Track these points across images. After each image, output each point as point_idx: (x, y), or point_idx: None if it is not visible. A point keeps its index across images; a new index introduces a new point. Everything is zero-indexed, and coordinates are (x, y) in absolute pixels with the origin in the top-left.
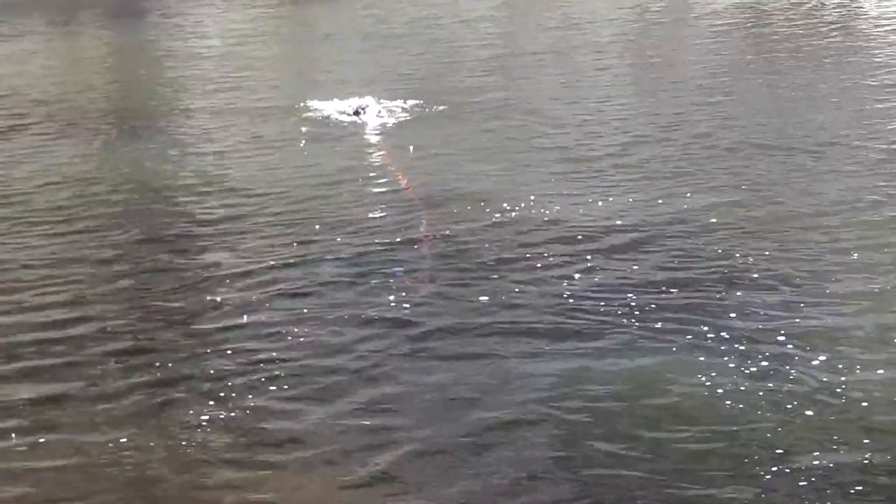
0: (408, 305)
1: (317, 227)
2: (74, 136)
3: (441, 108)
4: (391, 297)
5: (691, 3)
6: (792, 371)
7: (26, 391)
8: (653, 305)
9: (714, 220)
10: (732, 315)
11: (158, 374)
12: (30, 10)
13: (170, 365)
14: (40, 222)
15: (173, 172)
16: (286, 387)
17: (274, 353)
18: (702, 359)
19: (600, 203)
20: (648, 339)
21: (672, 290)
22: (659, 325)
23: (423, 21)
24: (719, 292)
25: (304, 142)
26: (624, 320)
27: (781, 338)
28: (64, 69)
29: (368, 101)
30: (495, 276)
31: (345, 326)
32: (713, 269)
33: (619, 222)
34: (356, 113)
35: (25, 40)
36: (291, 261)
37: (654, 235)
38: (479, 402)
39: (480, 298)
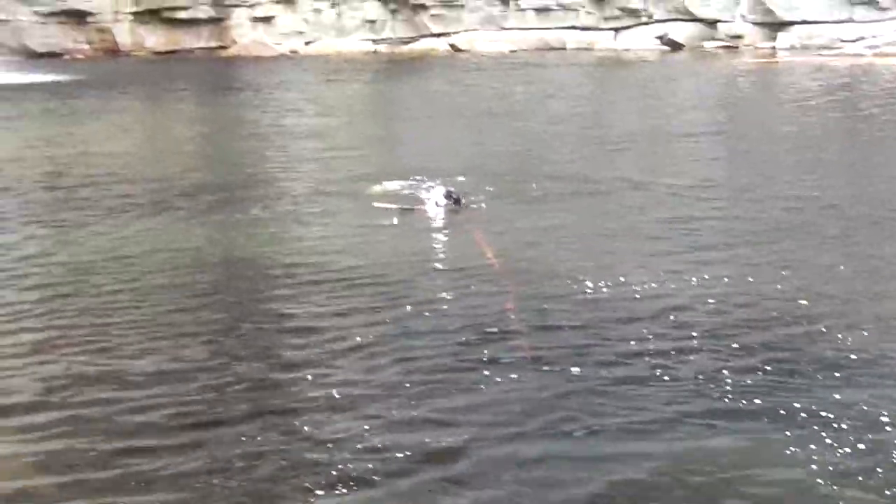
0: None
1: (407, 307)
2: (166, 209)
3: (533, 186)
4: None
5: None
6: None
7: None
8: (748, 386)
9: (815, 301)
10: (832, 398)
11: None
12: (123, 86)
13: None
14: (132, 289)
15: (262, 249)
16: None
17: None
18: (801, 443)
19: (695, 280)
20: (743, 421)
21: (770, 373)
22: (755, 406)
23: (514, 97)
24: (820, 375)
25: (393, 220)
26: (718, 402)
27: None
28: (155, 144)
29: (461, 180)
30: (588, 353)
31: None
32: (813, 351)
33: (713, 301)
34: (448, 196)
35: (119, 116)
36: (382, 339)
37: (750, 315)
38: (577, 481)
39: (572, 373)
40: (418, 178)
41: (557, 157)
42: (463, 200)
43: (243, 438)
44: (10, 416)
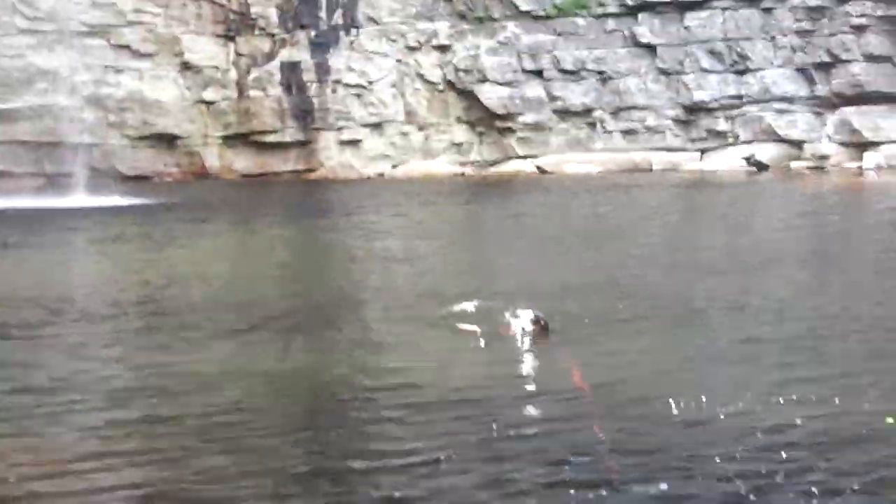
0: None
1: (494, 430)
2: (254, 333)
3: (620, 307)
4: None
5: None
6: None
7: None
8: None
9: None
10: None
11: None
12: (213, 210)
13: None
14: (218, 413)
15: (349, 373)
16: None
17: None
18: None
19: (785, 405)
20: None
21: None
22: None
23: (600, 220)
24: None
25: (480, 348)
26: None
27: None
28: (244, 268)
29: (548, 304)
30: (674, 475)
31: None
32: None
33: (802, 425)
34: (536, 321)
35: (209, 240)
36: (469, 460)
37: (840, 439)
38: None
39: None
40: (505, 302)
41: (645, 280)
42: (550, 325)
43: None
44: None
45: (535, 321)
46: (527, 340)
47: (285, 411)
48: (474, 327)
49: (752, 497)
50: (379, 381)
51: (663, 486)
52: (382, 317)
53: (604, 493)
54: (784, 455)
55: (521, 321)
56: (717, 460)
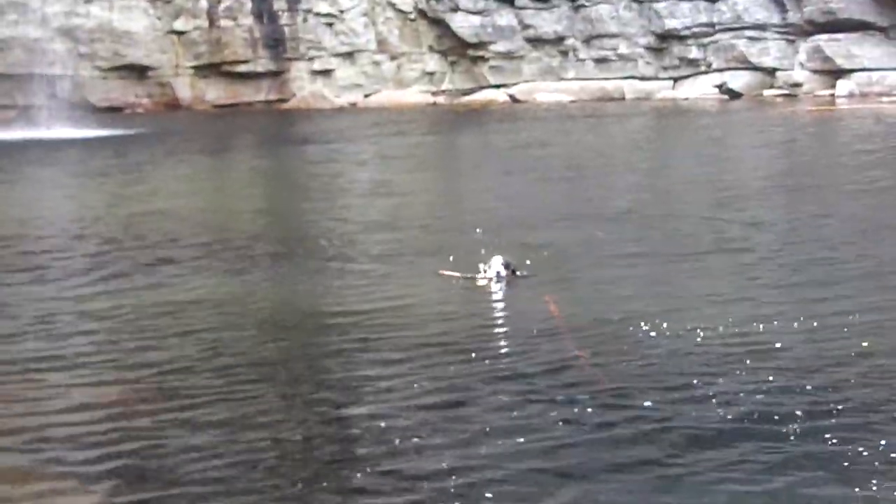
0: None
1: (473, 357)
2: (228, 263)
3: (599, 235)
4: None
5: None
6: None
7: None
8: (824, 428)
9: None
10: None
11: None
12: (185, 140)
13: None
14: (193, 344)
15: (324, 307)
16: None
17: None
18: None
19: (766, 325)
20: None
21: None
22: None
23: (572, 150)
24: None
25: (457, 288)
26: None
27: None
28: (217, 199)
29: (521, 240)
30: (661, 391)
31: None
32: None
33: (784, 348)
34: (507, 266)
35: (181, 170)
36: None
37: (827, 357)
38: None
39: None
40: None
41: (617, 209)
42: (519, 272)
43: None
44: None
45: (506, 266)
46: (501, 286)
47: (252, 341)
48: (455, 273)
49: (729, 417)
50: (352, 317)
51: (647, 403)
52: (356, 249)
53: (589, 410)
54: (769, 375)
55: (494, 267)
56: (696, 382)
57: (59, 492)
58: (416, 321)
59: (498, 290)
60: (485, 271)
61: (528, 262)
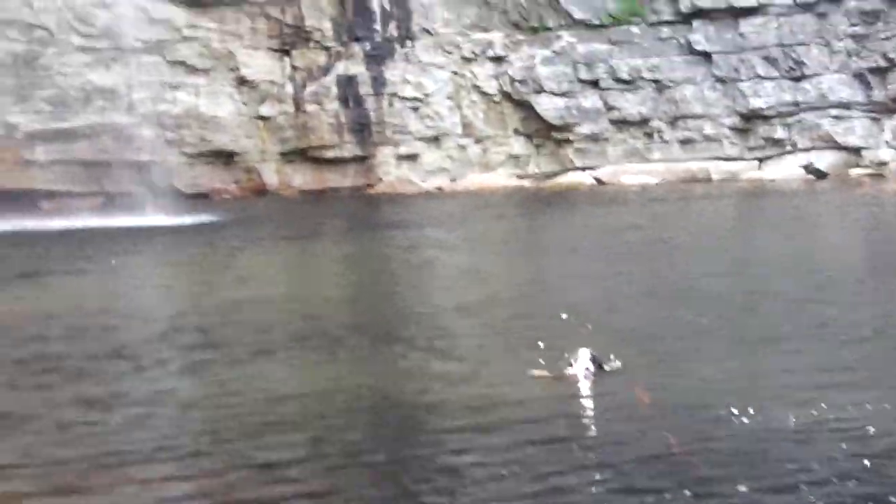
0: None
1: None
2: (314, 351)
3: (691, 332)
4: None
5: None
6: None
7: None
8: None
9: None
10: None
11: None
12: (272, 226)
13: None
14: (257, 431)
15: (415, 389)
16: None
17: None
18: None
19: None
20: None
21: None
22: None
23: (659, 234)
24: None
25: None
26: None
27: None
28: (306, 284)
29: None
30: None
31: None
32: None
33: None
34: (593, 361)
35: (270, 256)
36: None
37: None
38: None
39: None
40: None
41: (707, 292)
42: (606, 366)
43: None
44: None
45: (593, 360)
46: (588, 383)
47: (343, 422)
48: (545, 373)
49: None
50: (444, 404)
51: (742, 489)
52: (443, 336)
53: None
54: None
55: (581, 362)
56: (790, 468)
57: None
58: (503, 415)
59: (586, 386)
60: (571, 365)
61: (614, 353)
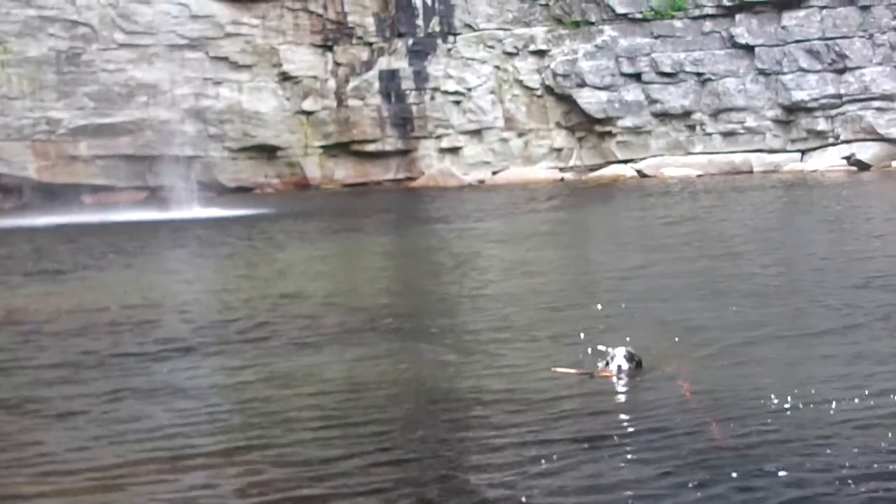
0: None
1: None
2: (359, 341)
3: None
4: None
5: None
6: None
7: None
8: None
9: None
10: None
11: None
12: (316, 220)
13: None
14: (305, 426)
15: (451, 382)
16: None
17: None
18: None
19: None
20: None
21: None
22: None
23: (701, 225)
24: None
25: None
26: None
27: None
28: (350, 277)
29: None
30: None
31: None
32: None
33: None
34: (630, 359)
35: (313, 249)
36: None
37: None
38: None
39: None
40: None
41: (752, 285)
42: (645, 364)
43: None
44: None
45: (630, 359)
46: (622, 382)
47: (382, 414)
48: (568, 369)
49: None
50: (479, 402)
51: (782, 474)
52: (487, 330)
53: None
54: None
55: (617, 360)
56: (832, 455)
57: None
58: (536, 408)
59: (622, 383)
60: (607, 363)
61: (657, 347)
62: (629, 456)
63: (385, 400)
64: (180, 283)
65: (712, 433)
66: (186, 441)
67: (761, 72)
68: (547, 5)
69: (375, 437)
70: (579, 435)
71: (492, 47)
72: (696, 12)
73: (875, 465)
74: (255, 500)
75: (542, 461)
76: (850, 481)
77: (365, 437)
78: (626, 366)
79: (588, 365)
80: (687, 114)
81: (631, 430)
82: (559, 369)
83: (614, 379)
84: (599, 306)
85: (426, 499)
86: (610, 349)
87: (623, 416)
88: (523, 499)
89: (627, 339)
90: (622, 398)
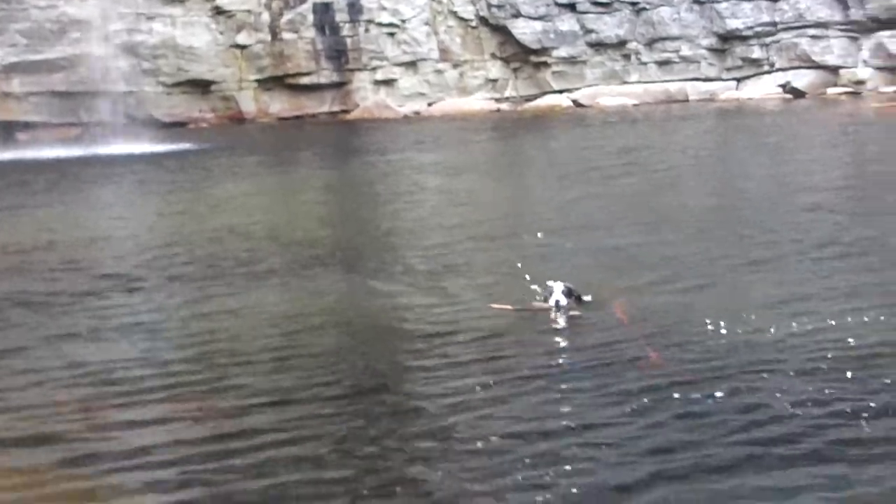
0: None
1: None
2: (295, 273)
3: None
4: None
5: None
6: None
7: None
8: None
9: None
10: None
11: None
12: (250, 153)
13: None
14: (253, 360)
15: (394, 317)
16: None
17: None
18: None
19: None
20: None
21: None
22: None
23: (636, 155)
24: None
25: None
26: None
27: None
28: (284, 209)
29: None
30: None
31: None
32: None
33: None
34: (569, 294)
35: (247, 182)
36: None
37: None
38: None
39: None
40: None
41: (686, 212)
42: (585, 297)
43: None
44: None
45: (569, 294)
46: (562, 312)
47: (316, 345)
48: (507, 306)
49: (802, 411)
50: (415, 333)
51: (718, 394)
52: (418, 259)
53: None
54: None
55: (555, 296)
56: (767, 374)
57: None
58: (477, 342)
59: (558, 317)
60: (545, 299)
61: (595, 277)
62: (568, 387)
63: (327, 335)
64: (117, 220)
65: (652, 362)
66: (128, 380)
67: (696, 0)
68: None
69: (319, 371)
70: (520, 368)
71: None
72: None
73: (811, 389)
74: (203, 434)
75: (484, 394)
76: (787, 404)
77: (309, 371)
78: (564, 301)
79: (526, 301)
80: (622, 43)
81: (570, 362)
82: (496, 305)
83: (553, 314)
84: (540, 234)
85: (369, 430)
86: (549, 283)
87: (563, 349)
88: (466, 432)
89: (567, 270)
90: (561, 332)
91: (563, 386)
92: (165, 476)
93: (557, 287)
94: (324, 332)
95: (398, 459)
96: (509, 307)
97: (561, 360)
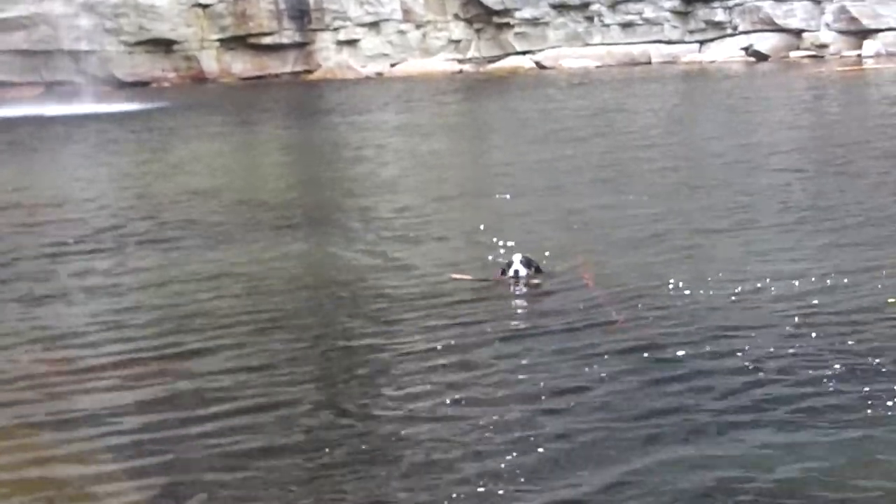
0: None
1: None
2: (253, 232)
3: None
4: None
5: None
6: None
7: None
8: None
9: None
10: None
11: None
12: (211, 113)
13: None
14: (213, 314)
15: (358, 282)
16: None
17: None
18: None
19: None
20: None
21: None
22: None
23: (597, 117)
24: None
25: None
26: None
27: None
28: (245, 169)
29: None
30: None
31: None
32: None
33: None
34: (528, 264)
35: (208, 142)
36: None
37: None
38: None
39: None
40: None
41: (649, 176)
42: (545, 265)
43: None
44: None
45: (527, 265)
46: (520, 288)
47: (273, 306)
48: (466, 276)
49: (766, 368)
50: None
51: (686, 361)
52: (379, 222)
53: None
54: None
55: (514, 265)
56: (729, 330)
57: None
58: (440, 310)
59: (521, 287)
60: (503, 271)
61: (556, 243)
62: (534, 351)
63: (290, 299)
64: (80, 181)
65: (617, 325)
66: (89, 344)
67: None
68: None
69: (278, 335)
70: (484, 333)
71: None
72: None
73: (773, 349)
74: (163, 396)
75: (449, 361)
76: (750, 366)
77: (268, 336)
78: (523, 271)
79: (487, 270)
80: (585, 5)
81: (533, 329)
82: (457, 276)
83: (511, 285)
84: (507, 196)
85: (328, 394)
86: (510, 255)
87: (526, 315)
88: (430, 398)
89: (534, 233)
90: (522, 301)
91: (528, 350)
92: (123, 441)
93: (516, 258)
94: (286, 296)
95: (360, 426)
96: (469, 277)
97: (524, 325)
